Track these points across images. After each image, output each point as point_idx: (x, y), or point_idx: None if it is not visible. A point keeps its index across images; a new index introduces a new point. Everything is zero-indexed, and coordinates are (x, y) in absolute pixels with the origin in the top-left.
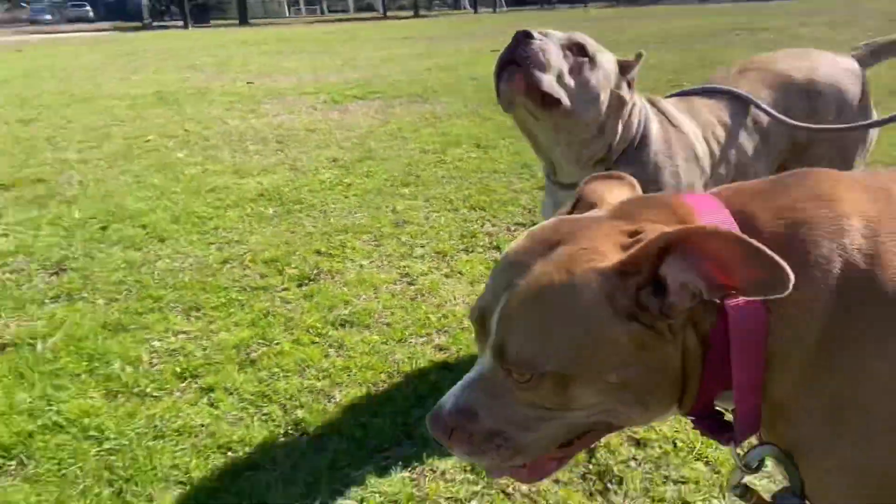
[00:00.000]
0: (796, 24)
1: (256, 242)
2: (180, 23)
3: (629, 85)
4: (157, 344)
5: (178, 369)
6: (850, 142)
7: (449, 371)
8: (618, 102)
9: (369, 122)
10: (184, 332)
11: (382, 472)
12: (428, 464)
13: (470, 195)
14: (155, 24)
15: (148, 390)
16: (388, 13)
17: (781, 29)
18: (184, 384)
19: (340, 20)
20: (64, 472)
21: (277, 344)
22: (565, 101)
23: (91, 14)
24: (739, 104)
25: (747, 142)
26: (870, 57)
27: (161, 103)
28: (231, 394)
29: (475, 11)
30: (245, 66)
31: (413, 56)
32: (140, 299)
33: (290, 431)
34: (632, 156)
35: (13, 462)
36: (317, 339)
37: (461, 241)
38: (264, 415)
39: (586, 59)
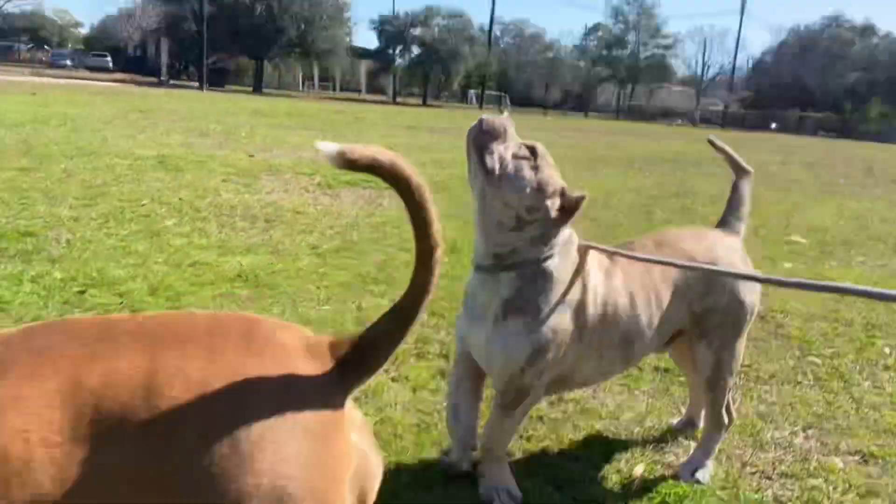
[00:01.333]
0: (777, 161)
1: None
2: (196, 84)
3: (566, 211)
4: None
5: None
6: (742, 312)
7: None
8: (543, 215)
9: (356, 211)
10: None
11: None
12: None
13: (433, 301)
14: (171, 81)
15: None
16: (398, 98)
17: (760, 165)
18: None
19: (350, 100)
20: None
21: None
22: (490, 166)
23: (110, 65)
24: (646, 275)
25: (644, 312)
26: (742, 229)
27: (161, 167)
28: None
29: (480, 107)
30: (251, 138)
31: (414, 148)
32: None
33: None
34: (526, 274)
35: None
36: None
37: (414, 346)
38: None
39: (531, 158)
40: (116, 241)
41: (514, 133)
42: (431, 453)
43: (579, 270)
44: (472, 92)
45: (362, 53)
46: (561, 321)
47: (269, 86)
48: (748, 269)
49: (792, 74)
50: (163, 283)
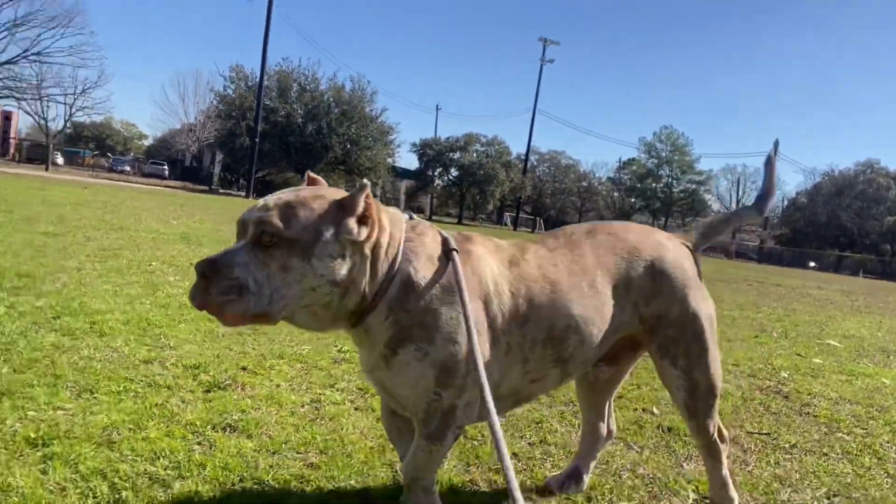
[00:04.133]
0: (812, 285)
1: (188, 351)
2: (243, 193)
3: (362, 221)
4: (32, 413)
5: (32, 435)
6: (700, 323)
7: (306, 485)
8: (356, 252)
9: None
10: (63, 409)
11: None
12: None
13: None
14: (221, 190)
15: None
16: (434, 217)
17: (794, 287)
18: (30, 449)
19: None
20: None
21: (145, 431)
22: (275, 315)
23: (166, 172)
24: (576, 261)
25: (576, 301)
26: (700, 240)
27: (182, 241)
28: (69, 465)
29: (514, 229)
30: None
31: None
32: (41, 375)
33: None
34: (395, 302)
35: None
36: (189, 436)
37: None
38: (89, 488)
39: (280, 246)
40: (111, 287)
41: (239, 246)
42: (381, 471)
43: (455, 268)
44: (507, 215)
45: (403, 173)
46: (456, 328)
47: None
48: (698, 278)
49: (828, 214)
50: (142, 316)
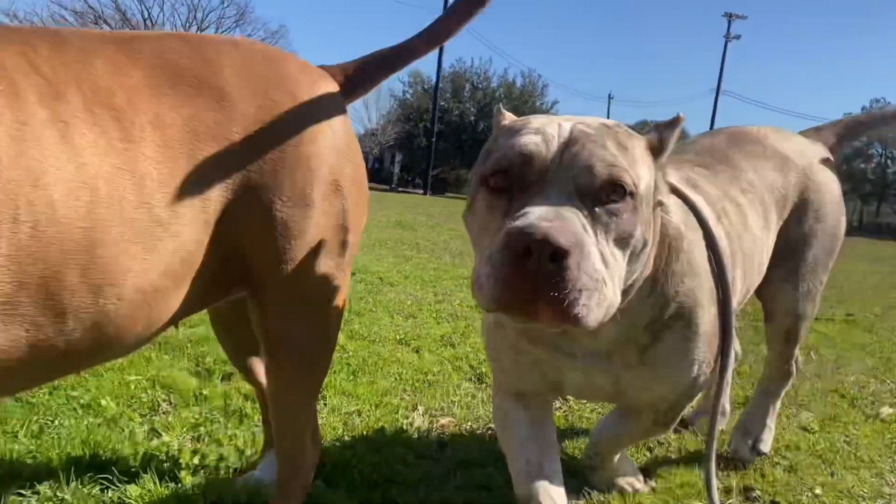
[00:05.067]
0: None
1: (465, 297)
2: (421, 190)
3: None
4: (380, 330)
5: (398, 337)
6: (837, 244)
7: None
8: (656, 215)
9: None
10: (403, 326)
11: None
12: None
13: None
14: (400, 189)
15: (375, 340)
16: None
17: None
18: (400, 345)
19: None
20: None
21: (472, 337)
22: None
23: None
24: (747, 181)
25: (761, 245)
26: (837, 142)
27: (400, 227)
28: (433, 353)
29: None
30: None
31: None
32: (375, 308)
33: (473, 379)
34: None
35: None
36: None
37: None
38: (456, 366)
39: (627, 209)
40: (373, 257)
41: (574, 215)
42: None
43: (702, 217)
44: None
45: None
46: (712, 295)
47: None
48: (837, 184)
49: None
50: (412, 273)
